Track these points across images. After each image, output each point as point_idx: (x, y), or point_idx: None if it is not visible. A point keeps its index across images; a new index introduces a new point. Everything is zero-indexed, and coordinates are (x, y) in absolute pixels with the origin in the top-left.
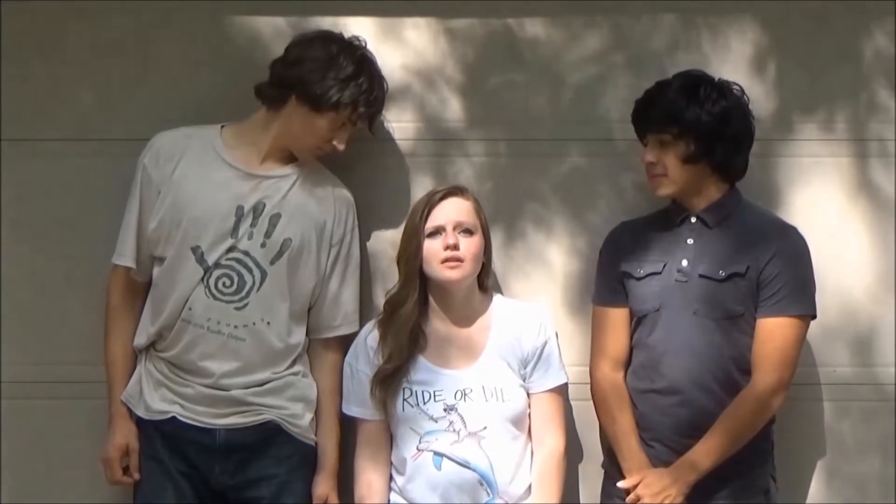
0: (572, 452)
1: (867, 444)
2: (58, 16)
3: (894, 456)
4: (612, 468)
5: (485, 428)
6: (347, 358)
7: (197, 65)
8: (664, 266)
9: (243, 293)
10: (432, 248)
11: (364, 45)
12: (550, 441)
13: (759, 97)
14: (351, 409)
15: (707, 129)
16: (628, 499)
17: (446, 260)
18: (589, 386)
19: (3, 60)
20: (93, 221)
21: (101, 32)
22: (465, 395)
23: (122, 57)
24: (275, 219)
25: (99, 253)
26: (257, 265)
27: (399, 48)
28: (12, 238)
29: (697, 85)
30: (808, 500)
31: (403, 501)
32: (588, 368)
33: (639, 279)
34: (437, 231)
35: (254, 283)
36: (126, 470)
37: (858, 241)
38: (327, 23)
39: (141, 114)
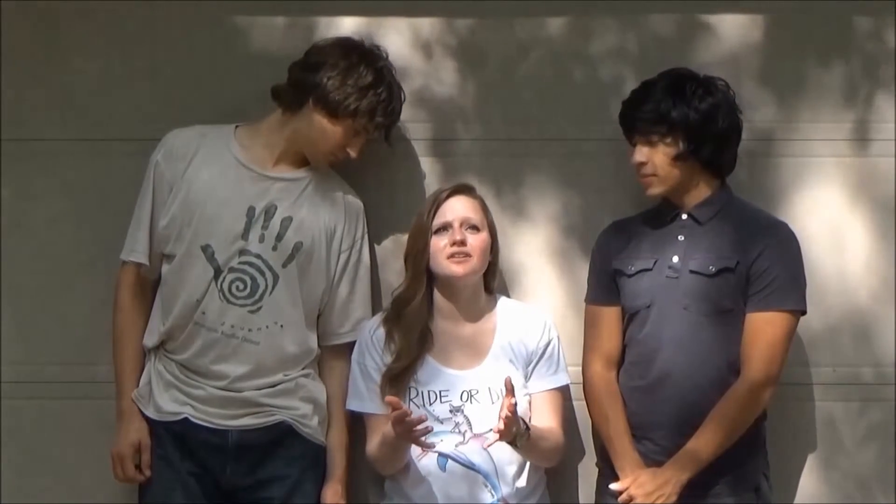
0: (572, 452)
1: (867, 444)
2: (58, 16)
3: (894, 456)
4: (606, 466)
5: (490, 430)
6: (354, 356)
7: (197, 65)
8: (655, 262)
9: (256, 296)
10: (439, 244)
11: (386, 55)
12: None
13: (759, 97)
14: (363, 406)
15: (695, 127)
16: (621, 499)
17: (453, 255)
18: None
19: (3, 60)
20: (93, 221)
21: (101, 32)
22: (472, 396)
23: (123, 57)
24: (286, 222)
25: (99, 253)
26: (269, 268)
27: (397, 47)
28: (12, 238)
29: (683, 83)
30: (807, 500)
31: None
32: None
33: (630, 276)
34: (444, 227)
35: (266, 286)
36: (137, 467)
37: (859, 241)
38: (322, 22)
39: (141, 114)
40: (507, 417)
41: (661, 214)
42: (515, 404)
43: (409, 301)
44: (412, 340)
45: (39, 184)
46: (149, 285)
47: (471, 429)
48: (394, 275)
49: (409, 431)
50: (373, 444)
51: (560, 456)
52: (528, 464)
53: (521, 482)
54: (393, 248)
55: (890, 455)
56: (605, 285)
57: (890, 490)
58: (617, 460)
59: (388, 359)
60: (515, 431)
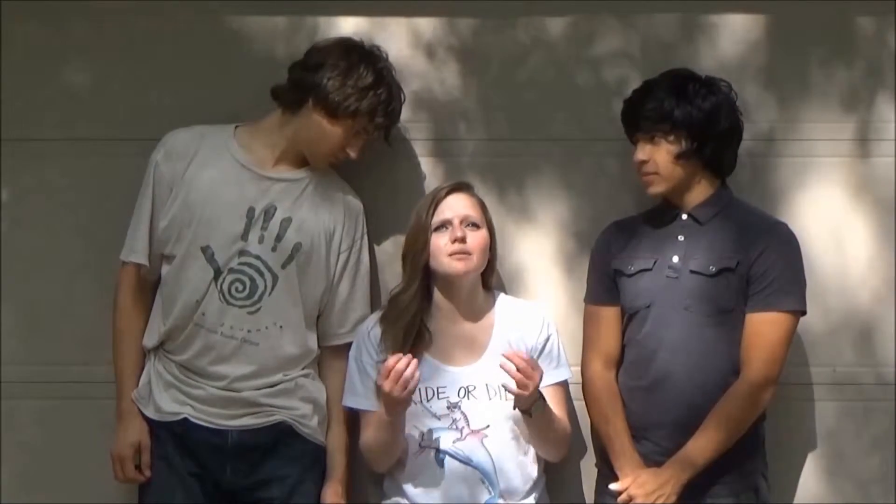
0: (573, 451)
1: (867, 444)
2: (58, 16)
3: (894, 456)
4: (605, 467)
5: (488, 426)
6: (351, 353)
7: (197, 65)
8: (655, 262)
9: (256, 297)
10: (439, 243)
11: (386, 56)
12: None
13: (760, 97)
14: (359, 402)
15: (698, 126)
16: (620, 499)
17: (454, 253)
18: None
19: (3, 60)
20: (93, 221)
21: (101, 32)
22: (469, 392)
23: (123, 57)
24: (286, 223)
25: (99, 253)
26: (269, 269)
27: (398, 48)
28: (12, 238)
29: (685, 82)
30: (807, 501)
31: (404, 501)
32: None
33: (629, 276)
34: (444, 225)
35: (266, 287)
36: (137, 468)
37: (859, 240)
38: (322, 22)
39: (141, 114)
40: (524, 369)
41: (661, 214)
42: (531, 358)
43: (400, 296)
44: (399, 337)
45: (39, 184)
46: (149, 286)
47: (468, 425)
48: (393, 275)
49: (395, 383)
50: (367, 437)
51: (567, 448)
52: (526, 461)
53: (520, 480)
54: (393, 249)
55: (890, 456)
56: (604, 285)
57: (890, 491)
58: (616, 460)
59: (384, 356)
60: (533, 400)
